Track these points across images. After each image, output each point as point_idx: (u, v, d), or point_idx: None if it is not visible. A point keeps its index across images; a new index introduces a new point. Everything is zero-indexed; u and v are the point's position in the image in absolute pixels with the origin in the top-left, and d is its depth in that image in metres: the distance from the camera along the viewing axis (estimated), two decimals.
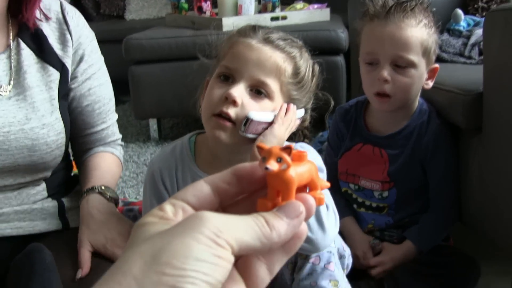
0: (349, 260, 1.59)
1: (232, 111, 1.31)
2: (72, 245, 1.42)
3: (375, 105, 1.87)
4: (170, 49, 3.47)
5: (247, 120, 1.30)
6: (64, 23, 1.51)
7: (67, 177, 1.66)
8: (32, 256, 1.30)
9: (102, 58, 1.66)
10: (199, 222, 0.44)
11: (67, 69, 1.50)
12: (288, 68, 1.39)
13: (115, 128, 1.71)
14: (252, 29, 1.44)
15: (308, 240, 1.31)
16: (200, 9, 3.68)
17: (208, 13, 3.68)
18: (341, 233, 1.97)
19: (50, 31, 1.49)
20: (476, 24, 2.56)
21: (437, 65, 1.85)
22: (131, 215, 2.32)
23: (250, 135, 1.33)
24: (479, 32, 2.40)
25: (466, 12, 2.70)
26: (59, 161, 1.52)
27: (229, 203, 0.54)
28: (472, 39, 2.43)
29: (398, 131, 1.91)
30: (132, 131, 4.00)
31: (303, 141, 1.53)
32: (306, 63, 1.46)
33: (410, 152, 1.89)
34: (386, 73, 1.76)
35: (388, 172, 1.91)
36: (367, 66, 1.82)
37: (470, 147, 1.90)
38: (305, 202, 0.51)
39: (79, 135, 1.63)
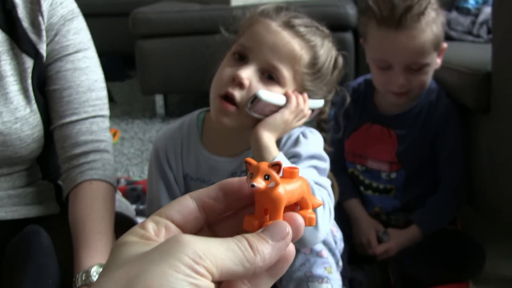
0: (340, 245, 1.56)
1: (237, 93, 1.29)
2: None
3: (391, 99, 1.84)
4: (177, 24, 3.44)
5: (255, 98, 1.27)
6: (37, 4, 1.38)
7: None
8: (29, 239, 1.27)
9: (86, 43, 1.48)
10: (177, 247, 0.42)
11: (41, 56, 1.39)
12: (305, 56, 1.35)
13: (94, 127, 1.45)
14: (275, 10, 1.39)
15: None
16: None
17: None
18: (345, 214, 1.96)
19: (25, 13, 1.38)
20: (485, 2, 2.53)
21: (445, 44, 1.81)
22: (134, 195, 2.32)
23: (256, 115, 1.30)
24: (487, 10, 2.37)
25: None
26: (39, 153, 1.44)
27: (216, 219, 0.53)
28: (481, 18, 2.40)
29: (407, 111, 1.88)
30: (138, 107, 3.98)
31: (320, 133, 1.48)
32: (327, 54, 1.41)
33: (419, 132, 1.87)
34: (402, 79, 1.73)
35: (397, 153, 1.89)
36: (379, 69, 1.79)
37: (479, 128, 1.88)
38: (293, 222, 0.49)
39: (49, 127, 1.46)
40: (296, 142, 1.37)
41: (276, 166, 0.48)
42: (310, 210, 0.53)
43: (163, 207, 0.50)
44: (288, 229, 0.48)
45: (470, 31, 2.40)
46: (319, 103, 1.42)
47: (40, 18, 1.38)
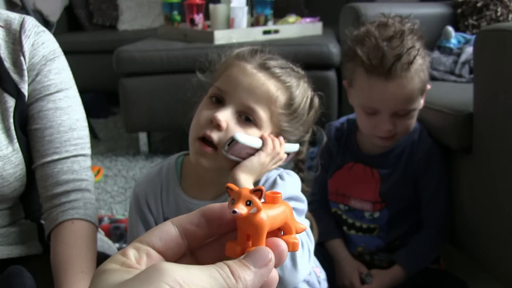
0: (324, 286, 1.55)
1: (215, 135, 1.29)
2: None
3: (377, 142, 1.84)
4: (161, 62, 3.44)
5: (232, 141, 1.27)
6: (19, 44, 1.39)
7: None
8: (12, 280, 1.24)
9: (68, 83, 1.49)
10: (157, 275, 0.42)
11: (23, 96, 1.39)
12: (281, 97, 1.35)
13: (76, 166, 1.45)
14: (250, 53, 1.40)
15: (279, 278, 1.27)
16: (192, 22, 3.67)
17: (200, 26, 3.67)
18: (328, 254, 1.96)
19: (7, 53, 1.39)
20: (467, 42, 2.55)
21: (429, 86, 1.82)
22: (118, 233, 2.30)
23: (233, 157, 1.30)
24: (469, 50, 2.40)
25: (456, 29, 2.69)
26: (21, 191, 1.43)
27: (199, 246, 0.52)
28: (463, 57, 2.42)
29: (389, 150, 1.89)
30: (122, 144, 3.96)
31: (297, 174, 1.48)
32: (303, 94, 1.42)
33: (402, 171, 1.88)
34: (389, 125, 1.74)
35: (380, 192, 1.89)
36: (366, 114, 1.79)
37: (461, 168, 1.89)
38: (276, 248, 0.49)
39: (31, 166, 1.46)
40: (274, 184, 1.37)
41: (258, 191, 0.49)
42: (293, 235, 0.52)
43: (144, 233, 0.50)
44: (271, 255, 0.48)
45: (452, 71, 2.42)
46: (294, 147, 1.43)
47: (22, 58, 1.38)
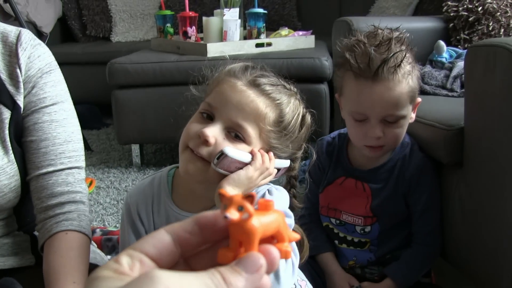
0: None
1: (204, 151, 1.29)
2: None
3: (366, 153, 1.84)
4: (154, 74, 3.45)
5: (221, 154, 1.27)
6: (15, 56, 1.41)
7: None
8: None
9: (63, 96, 1.51)
10: (150, 282, 0.41)
11: (19, 108, 1.41)
12: (270, 114, 1.35)
13: (70, 178, 1.47)
14: (242, 69, 1.40)
15: None
16: (185, 34, 3.68)
17: (193, 38, 3.68)
18: (319, 268, 1.96)
19: (3, 65, 1.40)
20: (458, 56, 2.57)
21: (419, 99, 1.83)
22: (110, 245, 2.30)
23: (221, 171, 1.30)
24: (461, 64, 2.41)
25: (448, 44, 2.71)
26: (16, 202, 1.45)
27: (192, 253, 0.52)
28: (454, 71, 2.43)
29: (381, 165, 1.89)
30: (114, 156, 3.97)
31: (289, 191, 1.49)
32: (293, 112, 1.42)
33: (393, 186, 1.87)
34: (378, 131, 1.73)
35: (371, 207, 1.89)
36: (355, 121, 1.79)
37: (452, 182, 1.89)
38: (268, 255, 0.48)
39: (26, 178, 1.47)
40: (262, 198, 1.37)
41: (250, 197, 0.48)
42: (286, 244, 0.52)
43: (138, 241, 0.49)
44: (262, 261, 0.47)
45: (444, 85, 2.43)
46: (285, 163, 1.43)
47: (18, 71, 1.40)
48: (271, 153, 1.37)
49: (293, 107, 1.42)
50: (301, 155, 1.50)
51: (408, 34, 1.80)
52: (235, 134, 1.32)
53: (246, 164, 1.32)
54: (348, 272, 1.95)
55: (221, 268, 0.46)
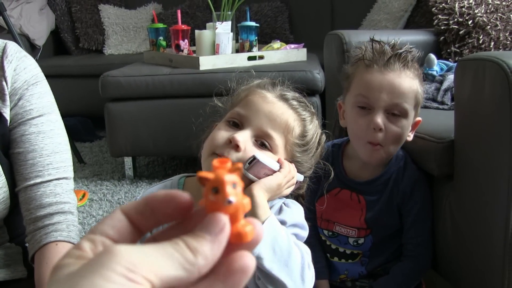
0: None
1: (233, 156, 1.30)
2: None
3: (365, 154, 1.83)
4: (146, 87, 3.46)
5: (254, 159, 1.28)
6: (1, 69, 1.41)
7: None
8: None
9: (50, 107, 1.52)
10: (110, 257, 0.39)
11: (5, 120, 1.41)
12: (296, 128, 1.39)
13: (58, 189, 1.47)
14: (271, 84, 1.45)
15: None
16: (177, 47, 3.69)
17: (185, 51, 3.69)
18: None
19: None
20: (449, 69, 2.58)
21: (419, 118, 1.85)
22: None
23: (251, 176, 1.31)
24: (451, 77, 2.42)
25: (439, 57, 2.73)
26: (5, 214, 1.45)
27: (149, 231, 0.49)
28: (445, 84, 2.45)
29: (377, 177, 1.90)
30: (107, 168, 3.96)
31: None
32: (314, 129, 1.46)
33: (387, 198, 1.88)
34: (380, 121, 1.74)
35: (366, 219, 1.90)
36: (359, 110, 1.79)
37: (443, 195, 1.90)
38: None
39: (15, 189, 1.48)
40: (280, 210, 1.39)
41: (237, 170, 0.47)
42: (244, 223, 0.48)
43: (97, 224, 0.47)
44: (224, 219, 0.45)
45: (435, 98, 2.44)
46: (301, 177, 1.45)
47: (4, 83, 1.40)
48: (293, 164, 1.40)
49: (314, 125, 1.47)
50: (310, 175, 1.53)
51: (418, 52, 1.83)
52: (262, 143, 1.35)
53: (274, 172, 1.33)
54: (339, 285, 1.96)
55: (184, 236, 0.44)
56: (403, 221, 1.91)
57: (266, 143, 1.35)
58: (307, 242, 1.87)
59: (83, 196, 3.30)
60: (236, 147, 1.30)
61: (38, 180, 1.44)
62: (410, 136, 1.85)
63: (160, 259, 0.41)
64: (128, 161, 3.73)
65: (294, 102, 1.42)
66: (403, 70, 1.74)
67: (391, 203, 1.89)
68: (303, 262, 1.27)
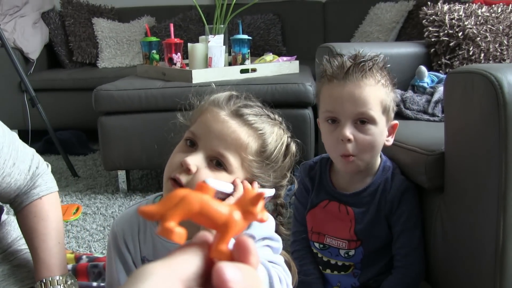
0: None
1: (184, 178, 1.31)
2: None
3: (341, 166, 1.86)
4: (139, 101, 3.46)
5: None
6: None
7: None
8: None
9: None
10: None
11: None
12: (252, 144, 1.37)
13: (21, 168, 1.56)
14: (226, 99, 1.42)
15: None
16: (170, 61, 3.71)
17: (178, 65, 3.70)
18: None
19: None
20: (440, 81, 2.60)
21: (396, 121, 1.86)
22: (96, 271, 2.30)
23: None
24: (442, 89, 2.43)
25: (430, 69, 2.74)
26: None
27: None
28: (435, 96, 2.46)
29: (363, 189, 1.91)
30: (101, 182, 3.96)
31: (276, 218, 1.50)
32: (277, 141, 1.44)
33: (375, 210, 1.89)
34: (348, 131, 1.75)
35: (355, 230, 1.90)
36: (328, 125, 1.82)
37: (434, 207, 1.91)
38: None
39: None
40: (248, 226, 1.39)
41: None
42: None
43: None
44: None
45: (425, 110, 2.46)
46: (269, 192, 1.44)
47: None
48: (255, 183, 1.39)
49: (276, 137, 1.44)
50: (286, 183, 1.52)
51: (387, 59, 1.84)
52: (217, 162, 1.34)
53: (228, 195, 1.33)
54: None
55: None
56: (392, 231, 1.92)
57: (221, 163, 1.35)
58: (300, 255, 1.89)
59: (77, 210, 3.30)
60: (188, 171, 1.31)
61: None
62: (389, 141, 1.87)
63: None
64: (121, 174, 3.74)
65: (250, 117, 1.39)
66: (361, 80, 1.76)
67: (380, 215, 1.89)
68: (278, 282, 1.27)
